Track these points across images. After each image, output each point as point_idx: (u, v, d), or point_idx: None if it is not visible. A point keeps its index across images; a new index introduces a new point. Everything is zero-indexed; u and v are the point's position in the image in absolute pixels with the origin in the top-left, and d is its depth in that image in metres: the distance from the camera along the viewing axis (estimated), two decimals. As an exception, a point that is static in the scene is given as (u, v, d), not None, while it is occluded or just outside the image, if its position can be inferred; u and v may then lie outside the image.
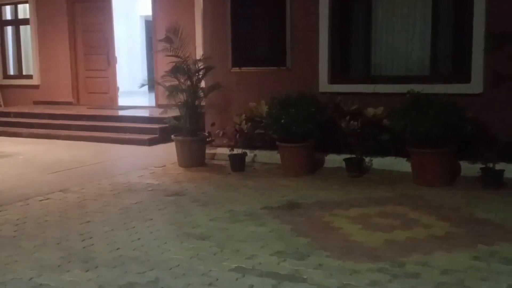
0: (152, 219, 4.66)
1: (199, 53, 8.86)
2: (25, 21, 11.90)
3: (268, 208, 4.88)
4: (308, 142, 6.21)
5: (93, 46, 11.30)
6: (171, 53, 6.67)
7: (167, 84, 6.89)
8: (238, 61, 7.51)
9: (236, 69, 7.44)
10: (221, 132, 7.22)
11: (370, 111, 6.21)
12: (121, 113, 10.24)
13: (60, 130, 9.56)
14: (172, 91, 6.61)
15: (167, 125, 8.91)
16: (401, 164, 6.22)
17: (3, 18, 12.25)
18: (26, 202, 5.28)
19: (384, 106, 6.16)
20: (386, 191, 5.42)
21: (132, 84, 13.40)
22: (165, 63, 10.43)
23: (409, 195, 5.27)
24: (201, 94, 6.85)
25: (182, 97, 6.75)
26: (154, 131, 8.84)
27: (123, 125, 9.22)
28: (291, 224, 4.40)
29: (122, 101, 11.40)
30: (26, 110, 10.65)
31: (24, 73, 12.26)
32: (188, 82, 6.74)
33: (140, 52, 15.92)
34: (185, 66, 6.67)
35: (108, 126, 9.29)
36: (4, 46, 12.28)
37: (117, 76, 11.29)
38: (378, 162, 6.41)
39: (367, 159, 6.33)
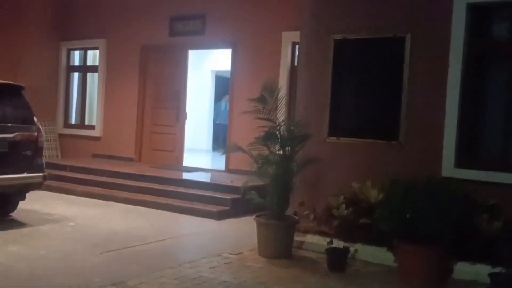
0: None
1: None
2: (94, 68, 11.17)
3: None
4: (440, 246, 4.68)
5: (163, 100, 10.33)
6: (263, 116, 5.42)
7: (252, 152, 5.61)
8: (336, 130, 6.20)
9: (333, 139, 6.12)
10: (312, 215, 5.83)
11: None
12: (187, 176, 9.04)
13: (118, 191, 8.43)
14: (263, 163, 5.30)
15: (239, 196, 7.68)
16: None
17: (71, 64, 11.59)
18: (68, 301, 3.99)
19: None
20: None
21: (196, 142, 12.37)
22: (241, 124, 9.35)
23: None
24: (295, 168, 5.51)
25: (270, 170, 5.43)
26: (224, 202, 7.52)
27: (189, 191, 7.97)
28: None
29: (186, 160, 10.25)
30: (83, 164, 9.65)
31: (86, 123, 11.42)
32: (280, 152, 5.44)
33: (208, 109, 14.98)
34: (278, 133, 5.39)
35: (172, 192, 8.06)
36: (68, 93, 11.55)
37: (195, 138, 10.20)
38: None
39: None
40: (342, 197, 5.63)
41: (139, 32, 10.46)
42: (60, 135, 11.45)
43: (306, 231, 5.90)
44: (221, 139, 16.50)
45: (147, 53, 10.48)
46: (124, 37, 10.67)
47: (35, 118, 6.42)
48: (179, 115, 10.14)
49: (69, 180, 9.15)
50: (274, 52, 8.88)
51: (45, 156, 11.00)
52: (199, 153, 13.34)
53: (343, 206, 5.52)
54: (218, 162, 11.12)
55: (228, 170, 9.36)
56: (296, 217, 5.71)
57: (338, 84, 6.23)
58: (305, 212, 5.92)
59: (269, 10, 8.98)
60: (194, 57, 11.25)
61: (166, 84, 10.31)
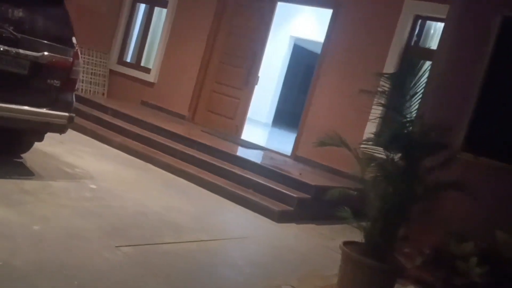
0: None
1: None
2: (163, 2, 9.53)
3: None
4: None
5: (234, 56, 8.60)
6: (388, 103, 3.60)
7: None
8: (475, 144, 4.38)
9: (469, 156, 4.29)
10: (419, 258, 4.08)
11: None
12: (245, 153, 7.37)
13: (160, 153, 6.86)
14: (377, 172, 3.53)
15: (308, 196, 5.96)
16: None
17: (139, -7, 10.00)
18: None
19: None
20: None
21: (255, 112, 10.61)
22: (323, 105, 7.57)
23: None
24: (420, 189, 3.69)
25: (384, 185, 3.65)
26: (289, 201, 5.81)
27: (246, 175, 6.30)
28: None
29: (244, 132, 8.56)
30: (127, 111, 8.10)
31: (142, 64, 9.86)
32: (403, 163, 3.64)
33: (277, 78, 13.21)
34: (406, 136, 3.58)
35: (225, 170, 6.40)
36: (130, 26, 9.98)
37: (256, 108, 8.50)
38: None
39: None
40: (471, 245, 3.85)
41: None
42: (111, 72, 9.95)
43: (407, 279, 4.13)
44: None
45: (227, -3, 8.76)
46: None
47: (74, 40, 4.81)
48: (249, 78, 8.41)
49: (108, 126, 7.64)
50: (387, 25, 6.97)
51: (89, 91, 9.61)
52: (257, 126, 11.66)
53: (474, 260, 3.73)
54: (281, 142, 9.42)
55: (294, 156, 7.62)
56: (401, 261, 3.93)
57: (494, 80, 4.35)
58: (406, 250, 4.18)
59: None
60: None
61: (241, 38, 8.56)
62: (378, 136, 3.62)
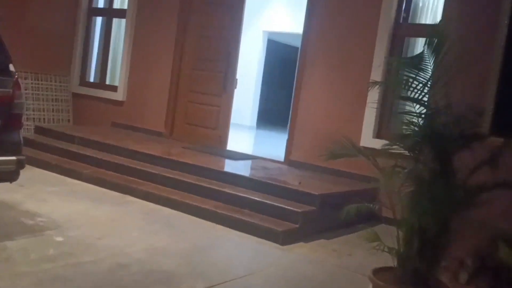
0: None
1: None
2: (121, 13, 8.67)
3: None
4: None
5: (207, 60, 7.78)
6: (410, 93, 2.83)
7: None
8: (504, 128, 3.66)
9: (499, 141, 3.56)
10: (464, 274, 3.35)
11: None
12: (234, 166, 6.58)
13: (138, 180, 6.03)
14: (408, 181, 2.76)
15: (313, 208, 5.19)
16: None
17: (93, 5, 9.09)
18: None
19: None
20: None
21: (238, 116, 9.78)
22: (312, 104, 6.80)
23: None
24: (461, 193, 2.93)
25: (418, 195, 2.88)
26: (292, 217, 5.03)
27: (239, 193, 5.50)
28: None
29: (230, 140, 7.75)
30: (96, 136, 7.23)
31: (107, 82, 9.00)
32: (435, 164, 2.88)
33: (255, 77, 12.43)
34: (438, 132, 2.82)
35: (213, 191, 5.60)
36: (88, 43, 9.10)
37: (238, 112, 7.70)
38: None
39: None
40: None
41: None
42: (75, 95, 9.05)
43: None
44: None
45: (191, -5, 7.93)
46: (163, -26, 8.14)
47: (11, 67, 3.97)
48: (226, 82, 7.61)
49: (76, 158, 6.77)
50: (371, 4, 6.23)
51: (53, 120, 8.71)
52: (241, 131, 10.88)
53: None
54: (271, 146, 8.65)
55: (288, 162, 6.84)
56: (445, 283, 3.17)
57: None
58: (445, 264, 3.43)
59: None
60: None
61: (212, 40, 7.75)
62: (403, 138, 2.85)
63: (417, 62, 2.77)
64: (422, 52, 2.78)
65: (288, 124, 7.07)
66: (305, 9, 6.82)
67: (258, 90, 12.70)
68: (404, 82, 2.83)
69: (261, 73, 12.57)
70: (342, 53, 6.39)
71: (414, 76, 2.78)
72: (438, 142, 2.77)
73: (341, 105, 6.36)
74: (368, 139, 6.05)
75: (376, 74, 5.86)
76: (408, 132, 2.80)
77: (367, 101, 6.05)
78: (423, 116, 2.81)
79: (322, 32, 6.62)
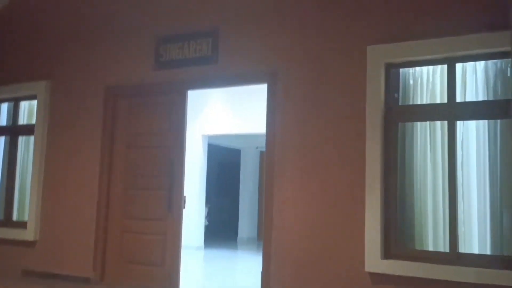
0: None
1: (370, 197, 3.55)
2: (28, 129, 6.91)
3: None
4: None
5: (145, 175, 6.07)
6: None
7: None
8: None
9: None
10: None
11: None
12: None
13: None
14: None
15: None
16: None
17: (-8, 123, 7.31)
18: None
19: None
20: None
21: (185, 236, 7.86)
22: (286, 211, 5.12)
23: None
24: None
25: None
26: None
27: None
28: None
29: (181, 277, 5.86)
30: (-5, 299, 5.16)
31: (14, 218, 6.97)
32: None
33: (199, 188, 10.77)
34: None
35: None
36: (-13, 169, 7.18)
37: (183, 231, 5.90)
38: None
39: None
40: None
41: (103, 65, 6.43)
42: (-29, 239, 6.92)
43: None
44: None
45: (116, 98, 6.36)
46: (79, 75, 6.59)
47: None
48: (172, 201, 5.87)
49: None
50: (353, 85, 4.92)
51: None
52: (190, 254, 9.03)
53: None
54: (237, 273, 6.83)
55: (268, 300, 5.04)
56: None
57: None
58: None
59: (340, 12, 5.11)
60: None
61: (148, 148, 6.11)
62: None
63: None
64: None
65: (262, 249, 5.35)
66: (265, 105, 5.39)
67: (203, 204, 11.00)
68: None
69: (204, 183, 10.95)
70: (323, 145, 4.95)
71: None
72: None
73: (331, 217, 4.80)
74: (375, 262, 4.47)
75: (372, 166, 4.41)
76: None
77: (366, 208, 4.56)
78: None
79: (291, 120, 5.18)
